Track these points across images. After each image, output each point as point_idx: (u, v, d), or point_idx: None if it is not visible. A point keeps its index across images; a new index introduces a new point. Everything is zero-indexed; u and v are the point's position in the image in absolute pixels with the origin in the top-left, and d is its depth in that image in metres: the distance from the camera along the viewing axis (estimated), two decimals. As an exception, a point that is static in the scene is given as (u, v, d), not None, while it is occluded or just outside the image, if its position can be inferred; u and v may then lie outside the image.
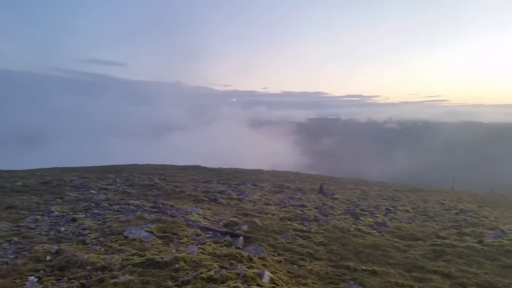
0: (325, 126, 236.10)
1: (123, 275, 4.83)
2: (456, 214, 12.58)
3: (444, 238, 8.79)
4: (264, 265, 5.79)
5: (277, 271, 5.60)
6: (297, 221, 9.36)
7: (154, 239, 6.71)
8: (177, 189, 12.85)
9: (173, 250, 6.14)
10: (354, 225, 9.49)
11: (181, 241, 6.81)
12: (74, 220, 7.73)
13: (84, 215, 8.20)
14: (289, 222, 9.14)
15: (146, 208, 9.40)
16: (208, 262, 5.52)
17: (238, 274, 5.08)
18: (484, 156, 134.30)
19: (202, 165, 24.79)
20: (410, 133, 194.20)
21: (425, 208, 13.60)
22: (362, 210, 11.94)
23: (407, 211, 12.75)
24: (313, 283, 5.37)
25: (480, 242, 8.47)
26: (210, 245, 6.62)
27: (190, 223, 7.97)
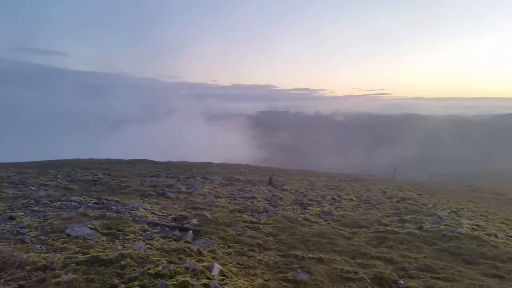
0: (276, 119, 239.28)
1: (66, 274, 4.64)
2: (397, 202, 13.28)
3: (386, 225, 9.26)
4: (214, 258, 5.79)
5: (226, 263, 5.62)
6: (247, 213, 9.44)
7: (99, 236, 6.49)
8: (123, 184, 12.48)
9: (119, 247, 5.97)
10: (302, 215, 9.74)
11: (127, 237, 6.64)
12: (11, 218, 7.27)
13: (23, 213, 7.75)
14: (239, 214, 9.20)
15: (90, 204, 9.06)
16: (156, 258, 5.43)
17: (187, 268, 5.05)
18: (423, 147, 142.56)
19: (153, 159, 24.25)
20: (355, 125, 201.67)
21: (368, 197, 14.23)
22: (309, 200, 12.27)
23: (352, 200, 13.28)
24: (262, 273, 5.45)
25: (420, 228, 9.00)
26: (158, 240, 6.51)
27: (137, 218, 7.79)
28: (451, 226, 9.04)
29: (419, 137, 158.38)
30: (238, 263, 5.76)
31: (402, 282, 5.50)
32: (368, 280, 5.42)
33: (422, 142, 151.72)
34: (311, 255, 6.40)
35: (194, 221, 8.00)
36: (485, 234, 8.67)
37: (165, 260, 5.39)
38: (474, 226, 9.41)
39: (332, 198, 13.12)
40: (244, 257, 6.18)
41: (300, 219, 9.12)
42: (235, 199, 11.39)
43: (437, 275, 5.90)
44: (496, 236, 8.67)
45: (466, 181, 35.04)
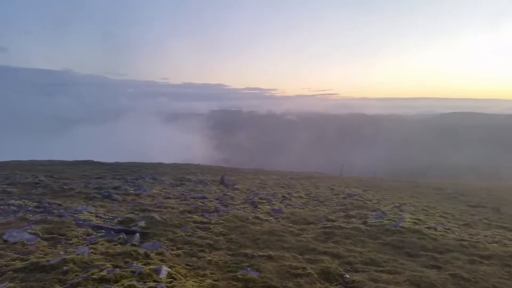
0: (230, 118, 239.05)
1: (2, 283, 4.33)
2: (344, 198, 13.72)
3: (333, 220, 9.52)
4: (162, 261, 5.66)
5: (175, 265, 5.51)
6: (198, 213, 9.33)
7: (39, 241, 6.13)
8: (65, 187, 11.89)
9: (61, 252, 5.67)
10: (253, 213, 9.79)
11: (70, 242, 6.32)
12: None
13: (-46, 220, 7.17)
14: (189, 215, 9.07)
15: (30, 208, 8.54)
16: (101, 262, 5.22)
17: (133, 272, 4.90)
18: (368, 145, 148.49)
19: (100, 161, 23.32)
20: (307, 124, 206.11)
21: (317, 194, 14.59)
22: (260, 198, 12.36)
23: (301, 197, 13.55)
24: (211, 273, 5.40)
25: (364, 223, 9.35)
26: (102, 244, 6.25)
27: (80, 222, 7.45)
28: (394, 221, 9.47)
29: (364, 135, 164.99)
30: (187, 265, 5.67)
31: (348, 276, 5.67)
32: (316, 275, 5.53)
33: (366, 140, 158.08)
34: (261, 253, 6.43)
35: (142, 223, 7.78)
36: (425, 227, 9.16)
37: (110, 264, 5.20)
38: (416, 220, 9.92)
39: (283, 196, 13.30)
40: (193, 258, 6.10)
41: (251, 218, 9.16)
42: (185, 200, 11.23)
43: (380, 268, 6.15)
44: (435, 229, 9.19)
45: (409, 177, 36.92)
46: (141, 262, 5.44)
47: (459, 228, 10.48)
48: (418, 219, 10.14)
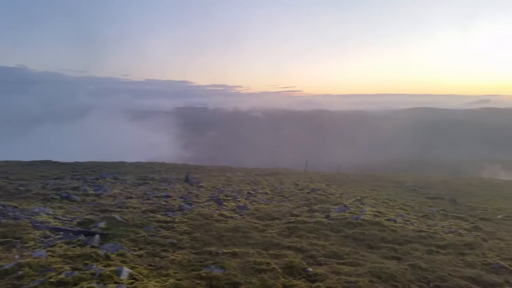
0: (196, 115, 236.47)
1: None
2: (308, 193, 13.92)
3: (297, 215, 9.64)
4: (123, 262, 5.53)
5: (137, 265, 5.40)
6: (161, 213, 9.17)
7: (-8, 246, 5.84)
8: (22, 188, 11.37)
9: (16, 256, 5.42)
10: (218, 211, 9.73)
11: (26, 245, 6.05)
12: None
13: None
14: (152, 214, 8.89)
15: (-18, 212, 8.11)
16: (59, 265, 5.04)
17: (93, 274, 4.77)
18: (332, 140, 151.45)
19: (58, 161, 22.45)
20: (272, 121, 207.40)
21: (282, 190, 14.72)
22: (226, 195, 12.32)
23: (266, 193, 13.62)
24: (175, 273, 5.33)
25: (327, 216, 9.52)
26: (61, 246, 6.03)
27: (37, 224, 7.14)
28: (356, 214, 9.71)
29: (327, 131, 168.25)
30: (149, 265, 5.57)
31: (311, 269, 5.75)
32: (279, 270, 5.58)
33: (330, 136, 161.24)
34: (225, 250, 6.41)
35: (102, 224, 7.56)
36: (385, 219, 9.44)
37: (69, 267, 5.03)
38: (376, 213, 10.21)
39: (248, 193, 13.32)
40: (156, 258, 6.00)
41: (215, 215, 9.10)
42: (148, 199, 11.00)
43: (342, 261, 6.28)
44: (395, 221, 9.49)
45: (370, 171, 37.93)
46: (101, 263, 5.30)
47: (418, 219, 10.88)
48: (379, 212, 10.44)
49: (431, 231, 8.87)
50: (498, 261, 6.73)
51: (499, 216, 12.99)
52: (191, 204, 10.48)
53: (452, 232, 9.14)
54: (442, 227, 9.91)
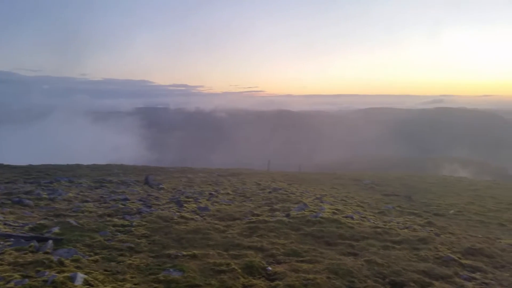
0: (158, 115, 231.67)
1: None
2: (269, 192, 14.03)
3: (258, 215, 9.69)
4: (78, 267, 5.35)
5: (92, 271, 5.24)
6: (118, 216, 8.94)
7: None
8: (-31, 194, 10.76)
9: (-39, 266, 5.12)
10: (178, 213, 9.61)
11: (-27, 254, 5.73)
12: None
13: None
14: (108, 218, 8.65)
15: None
16: (8, 274, 4.80)
17: (45, 281, 4.59)
18: (294, 139, 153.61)
19: (9, 163, 21.33)
20: (236, 121, 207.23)
21: (244, 190, 14.75)
22: (187, 197, 12.18)
23: (228, 193, 13.60)
24: (132, 277, 5.22)
25: (288, 215, 9.63)
26: (11, 254, 5.74)
27: (-16, 232, 6.77)
28: (315, 212, 9.88)
29: (290, 131, 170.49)
30: (105, 270, 5.42)
31: (271, 268, 5.81)
32: (239, 270, 5.59)
33: (292, 136, 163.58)
34: (185, 253, 6.35)
35: (56, 229, 7.27)
36: (343, 217, 9.68)
37: (19, 275, 4.80)
38: (335, 210, 10.44)
39: (210, 194, 13.24)
40: (112, 263, 5.84)
41: (175, 218, 8.98)
42: (105, 203, 10.68)
43: (301, 258, 6.38)
44: (352, 218, 9.75)
45: (331, 170, 38.76)
46: (54, 270, 5.10)
47: (374, 216, 11.23)
48: (337, 209, 10.68)
49: (387, 227, 9.18)
50: (449, 254, 7.08)
51: (451, 212, 13.64)
52: (150, 207, 10.28)
53: (407, 228, 9.49)
54: (398, 223, 10.28)
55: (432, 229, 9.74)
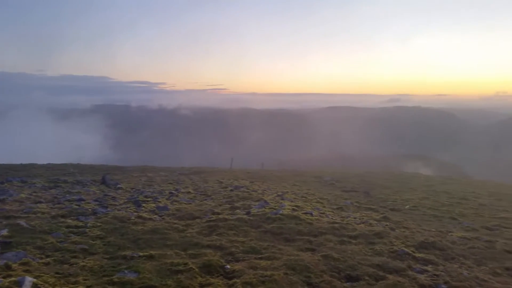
0: (118, 113, 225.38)
1: None
2: (231, 190, 14.00)
3: (218, 213, 9.65)
4: (27, 271, 5.12)
5: (42, 274, 5.03)
6: (72, 217, 8.61)
7: None
8: None
9: None
10: (136, 213, 9.39)
11: None
12: None
13: None
14: (62, 219, 8.32)
15: None
16: None
17: (-12, 287, 4.36)
18: (258, 137, 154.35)
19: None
20: (200, 119, 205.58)
21: (205, 188, 14.64)
22: (145, 197, 11.93)
23: (189, 192, 13.46)
24: (84, 280, 5.06)
25: (248, 213, 9.65)
26: (-48, 260, 5.42)
27: None
28: (275, 209, 9.96)
29: (253, 129, 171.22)
30: (56, 273, 5.22)
31: (229, 266, 5.80)
32: (197, 270, 5.54)
33: (256, 133, 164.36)
34: (141, 253, 6.21)
35: (4, 232, 6.91)
36: (303, 213, 9.81)
37: (-40, 282, 4.54)
38: (294, 207, 10.57)
39: (170, 193, 13.03)
40: (65, 265, 5.63)
41: (133, 218, 8.77)
42: (59, 203, 10.27)
43: (260, 255, 6.41)
44: (311, 214, 9.90)
45: (293, 167, 39.24)
46: (0, 275, 4.85)
47: (333, 212, 11.47)
48: (297, 206, 10.82)
49: (344, 222, 9.39)
50: (403, 248, 7.33)
51: (407, 207, 14.16)
52: (106, 207, 9.98)
53: (363, 223, 9.75)
54: (355, 218, 10.53)
55: (388, 223, 10.05)
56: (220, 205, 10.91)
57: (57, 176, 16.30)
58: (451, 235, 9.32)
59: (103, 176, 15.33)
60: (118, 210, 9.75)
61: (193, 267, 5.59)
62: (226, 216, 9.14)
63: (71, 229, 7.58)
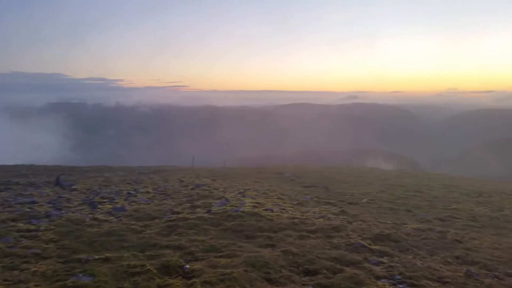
0: (74, 111, 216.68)
1: None
2: (192, 189, 13.86)
3: (178, 213, 9.52)
4: (-30, 280, 4.84)
5: (-11, 282, 4.78)
6: (23, 221, 8.21)
7: None
8: None
9: None
10: (91, 215, 9.10)
11: None
12: None
13: None
14: (12, 223, 7.92)
15: None
16: None
17: None
18: (220, 134, 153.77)
19: None
20: (160, 116, 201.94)
21: (165, 187, 14.41)
22: (102, 198, 11.58)
23: (148, 192, 13.20)
24: (36, 286, 4.84)
25: (209, 211, 9.60)
26: None
27: None
28: (236, 206, 9.97)
29: (215, 126, 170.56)
30: (5, 280, 4.97)
31: (188, 266, 5.74)
32: (155, 271, 5.44)
33: (218, 131, 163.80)
34: (96, 257, 6.02)
35: None
36: (263, 209, 9.88)
37: None
38: (256, 204, 10.62)
39: (128, 193, 12.72)
40: (15, 271, 5.37)
41: (88, 220, 8.49)
42: (9, 206, 9.77)
43: (220, 254, 6.39)
44: (272, 210, 9.99)
45: (255, 164, 39.46)
46: None
47: (293, 207, 11.63)
48: (258, 203, 10.88)
49: (304, 217, 9.55)
50: (360, 240, 7.55)
51: (364, 200, 14.59)
52: (60, 210, 9.60)
53: (322, 217, 9.96)
54: (314, 213, 10.74)
55: (345, 217, 10.32)
56: (180, 204, 10.77)
57: (8, 178, 15.50)
58: (406, 227, 9.70)
59: (57, 177, 14.72)
60: (73, 212, 9.41)
61: (151, 269, 5.49)
62: (186, 215, 9.04)
63: (22, 233, 7.23)
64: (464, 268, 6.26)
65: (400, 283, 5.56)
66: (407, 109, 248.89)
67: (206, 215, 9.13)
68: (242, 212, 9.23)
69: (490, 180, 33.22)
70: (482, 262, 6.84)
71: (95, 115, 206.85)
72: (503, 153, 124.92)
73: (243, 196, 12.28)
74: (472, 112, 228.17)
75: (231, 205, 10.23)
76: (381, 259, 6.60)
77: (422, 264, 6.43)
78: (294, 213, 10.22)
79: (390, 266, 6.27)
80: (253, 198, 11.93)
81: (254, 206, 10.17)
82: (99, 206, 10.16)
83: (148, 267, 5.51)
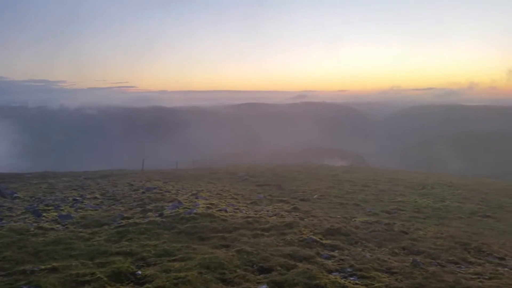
0: (14, 115, 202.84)
1: None
2: (143, 193, 13.52)
3: (128, 218, 9.26)
4: None
5: None
6: (-41, 234, 7.65)
7: None
8: None
9: None
10: (36, 224, 8.62)
11: None
12: None
13: None
14: None
15: None
16: None
17: None
18: (170, 136, 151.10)
19: None
20: (107, 118, 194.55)
21: (114, 192, 13.95)
22: (46, 205, 11.00)
23: (96, 198, 12.70)
24: (-25, 304, 4.53)
25: (161, 215, 9.40)
26: None
27: None
28: (189, 208, 9.87)
29: (165, 127, 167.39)
30: None
31: (140, 272, 5.60)
32: (105, 279, 5.27)
33: (168, 132, 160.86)
34: (43, 267, 5.73)
35: None
36: (217, 210, 9.86)
37: None
38: (209, 205, 10.57)
39: (74, 199, 12.16)
40: (-51, 290, 4.99)
41: (32, 229, 8.04)
42: None
43: (173, 258, 6.29)
44: (226, 210, 10.00)
45: (208, 165, 39.20)
46: None
47: (247, 206, 11.70)
48: (211, 204, 10.84)
49: (258, 216, 9.64)
50: (311, 236, 7.75)
51: (315, 196, 14.97)
52: (1, 219, 9.03)
53: (275, 215, 10.10)
54: (267, 211, 10.87)
55: (298, 214, 10.54)
56: (130, 209, 10.47)
57: None
58: (355, 220, 10.08)
59: (-5, 185, 13.79)
60: (15, 221, 8.88)
61: (101, 276, 5.31)
62: (137, 220, 8.81)
63: (-43, 248, 6.72)
64: (411, 258, 6.62)
65: (351, 275, 5.77)
66: (354, 107, 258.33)
67: (158, 219, 8.95)
68: (196, 214, 9.15)
69: (432, 173, 35.25)
70: (427, 251, 7.27)
71: (40, 119, 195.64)
72: (443, 147, 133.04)
73: (196, 198, 12.18)
74: (414, 108, 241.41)
75: (184, 208, 10.10)
76: (332, 253, 6.82)
77: (371, 256, 6.71)
78: (248, 212, 10.29)
79: (341, 259, 6.49)
80: (206, 199, 11.86)
81: (208, 207, 10.12)
82: (44, 214, 9.64)
83: (98, 275, 5.33)
